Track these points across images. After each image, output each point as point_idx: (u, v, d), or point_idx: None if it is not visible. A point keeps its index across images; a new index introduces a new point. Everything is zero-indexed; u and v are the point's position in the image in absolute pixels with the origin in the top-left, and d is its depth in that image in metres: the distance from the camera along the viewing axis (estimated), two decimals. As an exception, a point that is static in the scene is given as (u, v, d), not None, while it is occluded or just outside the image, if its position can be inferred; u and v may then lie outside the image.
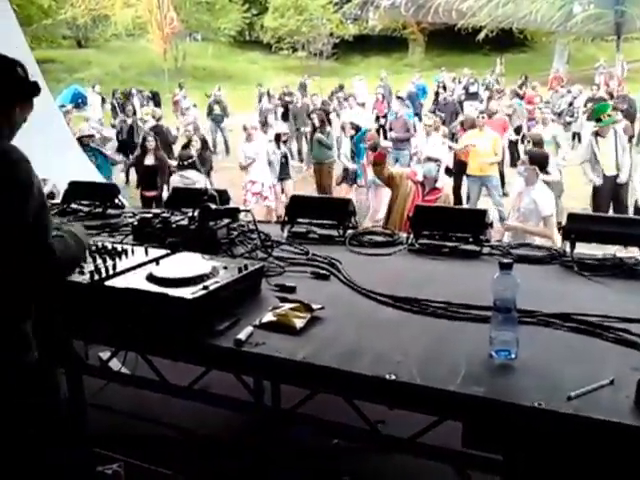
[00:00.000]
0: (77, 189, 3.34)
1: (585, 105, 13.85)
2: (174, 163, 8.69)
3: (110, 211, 3.16)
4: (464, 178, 9.45)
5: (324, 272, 2.27)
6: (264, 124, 11.38)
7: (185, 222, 2.54)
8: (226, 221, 2.55)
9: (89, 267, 2.02)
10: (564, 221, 2.39)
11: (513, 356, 1.58)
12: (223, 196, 2.81)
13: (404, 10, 23.29)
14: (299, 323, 1.81)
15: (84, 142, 8.75)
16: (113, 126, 14.62)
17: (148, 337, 1.88)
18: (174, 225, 2.53)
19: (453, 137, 9.84)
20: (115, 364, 2.31)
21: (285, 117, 15.35)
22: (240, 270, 2.00)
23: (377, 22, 30.53)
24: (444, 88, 17.44)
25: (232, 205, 2.80)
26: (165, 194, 7.89)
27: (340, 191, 9.40)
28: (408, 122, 11.24)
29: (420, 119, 12.41)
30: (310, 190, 9.88)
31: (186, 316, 1.79)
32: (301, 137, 13.58)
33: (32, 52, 8.18)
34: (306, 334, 1.78)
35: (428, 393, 1.50)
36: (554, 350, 1.66)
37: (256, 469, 2.35)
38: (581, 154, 8.29)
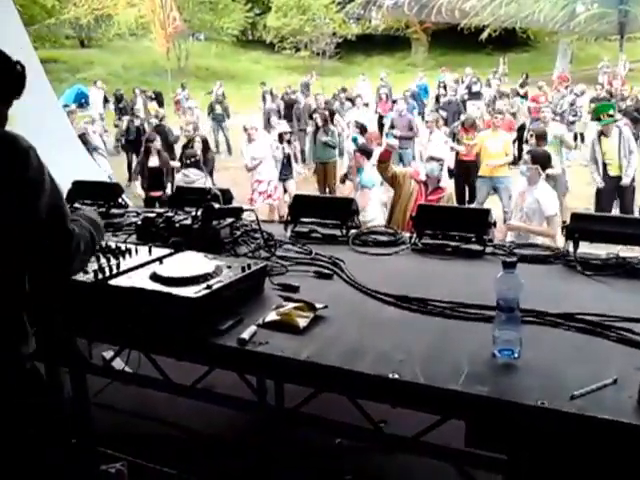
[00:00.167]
0: (81, 189, 3.34)
1: (589, 105, 13.83)
2: (176, 164, 8.73)
3: (114, 210, 3.17)
4: (467, 178, 9.45)
5: (327, 271, 2.27)
6: (267, 123, 11.40)
7: (188, 221, 2.54)
8: (229, 220, 2.56)
9: (93, 266, 2.03)
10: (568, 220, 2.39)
11: (516, 355, 1.59)
12: (226, 195, 2.81)
13: (407, 9, 23.31)
14: (302, 322, 1.81)
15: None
16: (116, 126, 14.67)
17: (151, 336, 1.88)
18: (177, 224, 2.53)
19: (454, 137, 9.81)
20: (118, 363, 2.31)
21: (288, 116, 15.36)
22: (243, 269, 2.01)
23: (380, 22, 30.52)
24: (445, 88, 17.42)
25: (235, 204, 2.80)
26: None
27: (343, 190, 9.40)
28: (412, 121, 11.23)
29: (423, 118, 12.40)
30: (311, 190, 9.89)
31: (190, 315, 1.79)
32: (304, 137, 13.58)
33: (35, 52, 8.19)
34: (309, 333, 1.79)
35: (431, 392, 1.50)
36: (557, 350, 1.66)
37: (259, 468, 2.36)
38: (587, 153, 8.28)
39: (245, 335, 1.75)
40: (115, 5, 27.68)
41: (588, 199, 8.41)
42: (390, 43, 32.74)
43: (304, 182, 10.75)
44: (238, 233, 2.56)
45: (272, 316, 1.85)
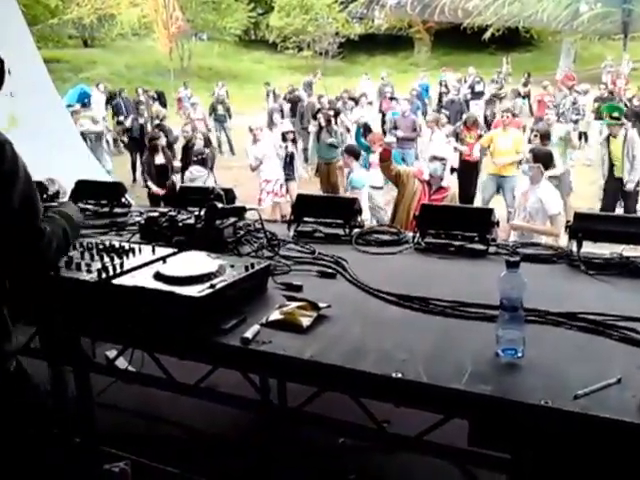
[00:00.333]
0: (84, 188, 3.35)
1: (593, 104, 13.80)
2: (176, 163, 8.77)
3: (117, 210, 3.18)
4: (470, 178, 9.43)
5: (330, 271, 2.27)
6: (270, 122, 11.40)
7: (192, 221, 2.54)
8: (232, 220, 2.56)
9: (97, 265, 2.03)
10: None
11: (519, 355, 1.59)
12: (229, 195, 2.81)
13: (410, 9, 23.30)
14: (306, 321, 1.82)
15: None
16: (119, 123, 14.66)
17: (155, 335, 1.89)
18: (181, 224, 2.54)
19: (457, 137, 9.80)
20: (121, 363, 2.31)
21: (291, 116, 15.37)
22: (247, 269, 2.01)
23: (383, 21, 30.50)
24: (447, 87, 17.41)
25: (238, 204, 2.80)
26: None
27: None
28: (416, 122, 11.22)
29: (425, 118, 12.40)
30: (314, 190, 9.89)
31: (193, 314, 1.80)
32: (307, 136, 13.58)
33: (39, 52, 8.21)
34: (313, 332, 1.79)
35: (434, 391, 1.50)
36: (561, 349, 1.66)
37: (262, 468, 2.36)
38: (595, 151, 8.26)
39: (248, 334, 1.75)
40: (118, 5, 27.70)
41: (591, 199, 8.40)
42: (393, 43, 32.70)
43: (307, 183, 10.75)
44: (241, 232, 2.57)
45: (275, 315, 1.85)
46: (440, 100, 16.87)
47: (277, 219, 6.52)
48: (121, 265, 2.04)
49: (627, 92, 15.71)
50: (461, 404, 1.49)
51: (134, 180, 12.24)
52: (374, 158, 7.43)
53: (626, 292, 2.03)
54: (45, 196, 3.39)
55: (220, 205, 2.53)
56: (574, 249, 2.32)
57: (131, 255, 2.16)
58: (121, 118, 14.25)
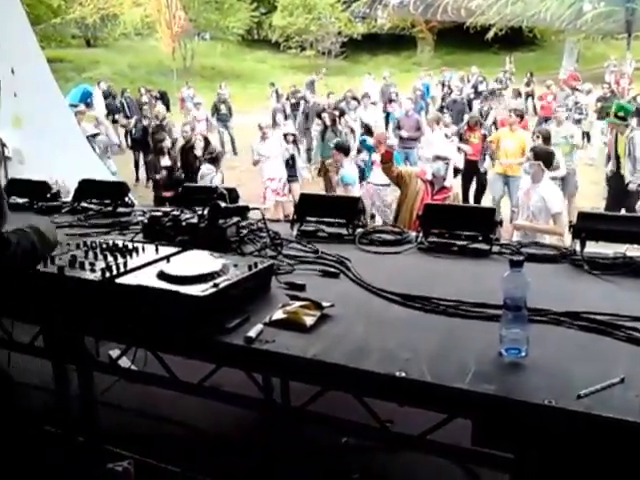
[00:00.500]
0: (87, 188, 3.36)
1: (595, 104, 13.78)
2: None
3: (120, 209, 3.18)
4: (474, 179, 9.43)
5: (333, 270, 2.27)
6: (273, 122, 11.41)
7: (195, 220, 2.55)
8: (235, 219, 2.56)
9: (100, 264, 2.04)
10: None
11: (523, 354, 1.58)
12: (232, 194, 2.82)
13: (413, 9, 23.29)
14: (309, 321, 1.82)
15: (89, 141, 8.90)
16: (123, 126, 14.70)
17: (159, 334, 1.89)
18: (184, 223, 2.54)
19: (461, 138, 9.80)
20: (124, 362, 2.32)
21: (294, 115, 15.37)
22: (250, 268, 2.01)
23: (386, 21, 30.50)
24: (449, 87, 17.40)
25: (242, 203, 2.80)
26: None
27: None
28: (420, 121, 11.22)
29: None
30: (317, 190, 9.89)
31: (197, 313, 1.80)
32: (310, 136, 13.58)
33: (42, 52, 8.23)
34: (316, 332, 1.79)
35: (438, 391, 1.50)
36: (564, 348, 1.65)
37: (265, 467, 2.36)
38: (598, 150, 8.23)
39: (252, 333, 1.75)
40: (121, 4, 27.78)
41: (594, 198, 8.40)
42: (396, 42, 32.71)
43: (310, 183, 10.75)
44: (244, 232, 2.57)
45: (279, 314, 1.85)
46: (443, 100, 16.85)
47: (280, 218, 6.53)
48: (125, 264, 2.05)
49: (630, 91, 15.67)
50: (465, 403, 1.48)
51: (137, 179, 12.26)
52: (377, 157, 7.45)
53: (630, 292, 2.02)
54: (48, 195, 3.41)
55: (223, 204, 2.54)
56: (578, 249, 2.31)
57: (134, 254, 2.17)
58: (117, 116, 14.27)
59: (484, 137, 9.44)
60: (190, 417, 2.63)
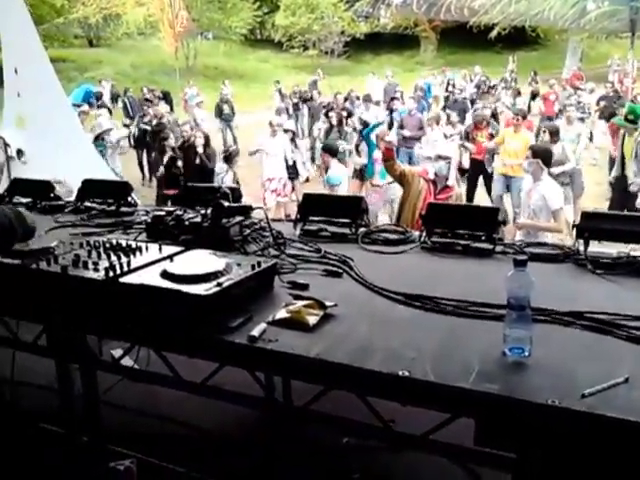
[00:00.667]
0: (90, 187, 3.36)
1: (598, 103, 13.75)
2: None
3: (123, 209, 3.19)
4: (479, 178, 9.41)
5: (336, 270, 2.27)
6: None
7: (198, 220, 2.55)
8: (238, 219, 2.56)
9: (104, 264, 2.04)
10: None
11: (527, 354, 1.58)
12: (235, 194, 2.82)
13: (416, 8, 23.23)
14: (312, 320, 1.82)
15: (101, 137, 8.93)
16: (125, 125, 14.71)
17: (162, 333, 1.89)
18: (187, 223, 2.54)
19: (468, 137, 9.78)
20: (127, 362, 2.32)
21: (296, 115, 15.38)
22: (253, 267, 2.01)
23: (389, 20, 30.47)
24: (454, 86, 17.39)
25: (244, 203, 2.81)
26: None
27: (352, 187, 9.43)
28: (422, 120, 11.21)
29: (427, 117, 12.37)
30: (320, 189, 9.89)
31: (200, 312, 1.80)
32: (313, 135, 13.57)
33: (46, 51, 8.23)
34: (319, 331, 1.79)
35: (441, 390, 1.50)
36: (568, 348, 1.65)
37: (267, 467, 2.36)
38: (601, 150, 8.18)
39: (255, 332, 1.75)
40: (124, 4, 27.79)
41: (597, 199, 8.38)
42: (399, 41, 32.68)
43: (315, 182, 10.75)
44: (247, 231, 2.57)
45: (282, 314, 1.85)
46: (447, 99, 16.83)
47: (282, 218, 6.54)
48: (128, 263, 2.05)
49: (634, 90, 15.61)
50: (468, 403, 1.48)
51: (144, 178, 12.25)
52: (379, 155, 7.45)
53: (633, 291, 2.02)
54: (52, 195, 3.42)
55: (226, 204, 2.54)
56: (581, 248, 2.31)
57: (138, 254, 2.17)
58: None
59: (491, 136, 9.39)
60: (193, 416, 2.64)
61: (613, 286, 2.08)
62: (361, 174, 9.39)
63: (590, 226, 2.30)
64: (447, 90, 18.07)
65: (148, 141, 11.39)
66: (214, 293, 1.81)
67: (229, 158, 8.08)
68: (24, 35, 7.45)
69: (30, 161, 7.39)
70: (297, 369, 1.71)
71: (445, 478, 2.19)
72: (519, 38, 28.43)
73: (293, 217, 2.87)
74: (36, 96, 7.36)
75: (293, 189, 9.13)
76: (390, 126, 13.10)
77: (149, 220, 2.67)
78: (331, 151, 7.72)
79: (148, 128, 11.90)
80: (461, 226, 2.52)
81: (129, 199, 3.26)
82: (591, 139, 13.08)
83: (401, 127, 11.30)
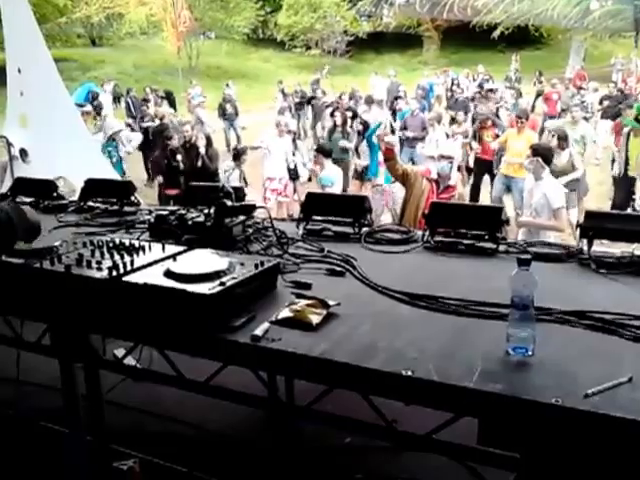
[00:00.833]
0: (93, 187, 3.37)
1: (600, 103, 13.71)
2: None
3: (126, 208, 3.19)
4: (484, 178, 9.40)
5: (340, 269, 2.27)
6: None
7: (201, 219, 2.55)
8: (242, 218, 2.56)
9: (107, 263, 2.04)
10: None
11: (530, 353, 1.58)
12: (238, 193, 2.82)
13: (419, 7, 23.24)
14: (315, 319, 1.82)
15: (114, 137, 9.00)
16: (128, 125, 14.73)
17: (165, 332, 1.89)
18: (190, 222, 2.54)
19: (475, 136, 9.76)
20: (130, 362, 2.32)
21: (298, 115, 15.39)
22: (256, 266, 2.01)
23: (391, 19, 30.44)
24: (458, 86, 17.37)
25: (247, 202, 2.80)
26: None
27: (353, 187, 9.45)
28: (425, 121, 11.19)
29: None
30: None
31: (203, 312, 1.80)
32: (316, 135, 13.59)
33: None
34: (322, 330, 1.79)
35: (445, 390, 1.50)
36: (571, 348, 1.65)
37: (270, 466, 2.36)
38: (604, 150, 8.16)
39: (258, 332, 1.75)
40: (126, 3, 27.78)
41: (600, 199, 8.37)
42: (401, 41, 32.65)
43: (315, 182, 10.75)
44: (250, 231, 2.57)
45: (285, 313, 1.86)
46: (450, 99, 16.83)
47: (285, 217, 6.55)
48: (131, 263, 2.05)
49: (638, 89, 15.59)
50: (471, 402, 1.48)
51: (149, 179, 12.25)
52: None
53: (637, 291, 2.01)
54: (55, 194, 3.42)
55: (229, 203, 2.54)
56: (585, 248, 2.30)
57: (141, 253, 2.17)
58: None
59: (497, 136, 9.35)
60: (196, 416, 2.64)
61: (617, 285, 2.07)
62: (361, 175, 9.39)
63: (594, 226, 2.30)
64: (452, 89, 18.04)
65: (150, 140, 11.40)
66: (217, 292, 1.81)
67: (237, 156, 8.09)
68: (27, 34, 7.46)
69: (33, 160, 7.40)
70: (300, 368, 1.71)
71: (448, 478, 2.18)
72: (522, 37, 28.40)
73: (295, 216, 2.87)
74: (39, 95, 7.37)
75: (295, 190, 9.13)
76: (393, 127, 13.09)
77: (152, 219, 2.67)
78: (324, 151, 7.75)
79: (150, 128, 11.92)
80: (464, 225, 2.52)
81: (132, 198, 3.26)
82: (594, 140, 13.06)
83: (404, 127, 11.28)
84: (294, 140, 9.77)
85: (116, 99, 19.97)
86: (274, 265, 2.10)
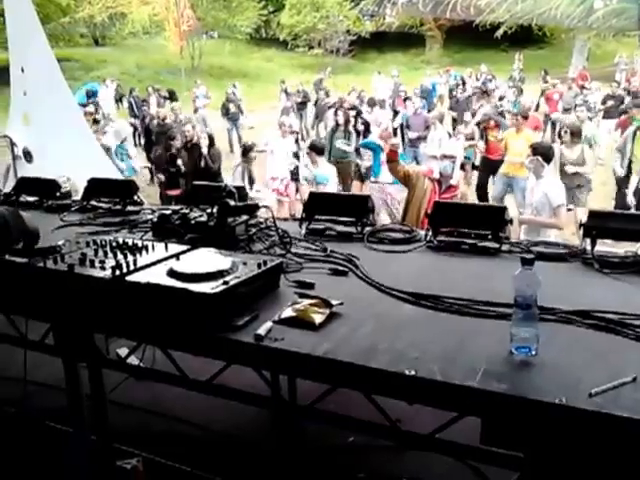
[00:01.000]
0: (96, 186, 3.37)
1: (604, 103, 13.68)
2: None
3: (129, 208, 3.19)
4: (487, 177, 9.39)
5: (342, 269, 2.27)
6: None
7: (204, 218, 2.55)
8: (244, 217, 2.56)
9: (110, 262, 2.05)
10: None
11: (533, 353, 1.58)
12: (241, 192, 2.82)
13: (422, 6, 23.24)
14: (318, 319, 1.82)
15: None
16: (131, 125, 14.76)
17: (168, 331, 1.89)
18: (193, 221, 2.54)
19: (482, 136, 9.76)
20: (133, 361, 2.32)
21: (300, 115, 15.39)
22: (259, 266, 2.01)
23: (394, 19, 30.41)
24: (463, 85, 17.35)
25: (250, 202, 2.81)
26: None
27: (354, 188, 9.44)
28: (428, 119, 11.19)
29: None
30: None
31: (206, 311, 1.80)
32: (319, 135, 13.58)
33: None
34: (325, 330, 1.79)
35: (448, 389, 1.50)
36: (575, 347, 1.65)
37: (273, 465, 2.36)
38: (606, 149, 8.14)
39: (261, 331, 1.75)
40: (129, 3, 27.80)
41: (604, 199, 8.34)
42: (404, 40, 32.60)
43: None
44: (253, 230, 2.57)
45: (288, 312, 1.86)
46: (452, 98, 16.79)
47: (288, 217, 6.55)
48: (134, 262, 2.05)
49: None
50: (475, 402, 1.48)
51: (152, 179, 12.27)
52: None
53: (641, 291, 2.01)
54: (58, 194, 3.43)
55: (232, 203, 2.54)
56: (588, 247, 2.30)
57: (144, 252, 2.17)
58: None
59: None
60: (199, 415, 2.64)
61: (620, 285, 2.07)
62: (361, 175, 9.38)
63: (597, 225, 2.29)
64: (457, 88, 17.99)
65: (152, 140, 11.41)
66: (220, 292, 1.81)
67: (245, 152, 8.11)
68: (31, 34, 7.48)
69: (36, 160, 7.42)
70: (303, 368, 1.71)
71: (451, 477, 2.18)
72: (525, 37, 28.33)
73: (297, 216, 2.87)
74: (42, 95, 7.39)
75: (297, 190, 9.13)
76: (395, 130, 13.08)
77: (155, 219, 2.67)
78: (317, 149, 7.75)
79: (152, 127, 11.93)
80: (467, 225, 2.52)
81: (135, 198, 3.26)
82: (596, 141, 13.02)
83: (407, 127, 11.28)
84: (297, 140, 9.77)
85: (118, 100, 19.96)
86: (277, 264, 2.10)
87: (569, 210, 6.48)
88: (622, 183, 7.58)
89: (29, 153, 7.47)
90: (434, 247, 2.52)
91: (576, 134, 7.33)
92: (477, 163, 9.84)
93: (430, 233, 2.56)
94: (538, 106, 16.41)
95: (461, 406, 1.55)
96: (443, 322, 1.84)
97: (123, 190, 3.30)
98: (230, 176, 8.32)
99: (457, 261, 2.38)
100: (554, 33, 29.06)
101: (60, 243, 2.28)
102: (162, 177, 8.91)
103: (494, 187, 8.96)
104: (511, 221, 2.51)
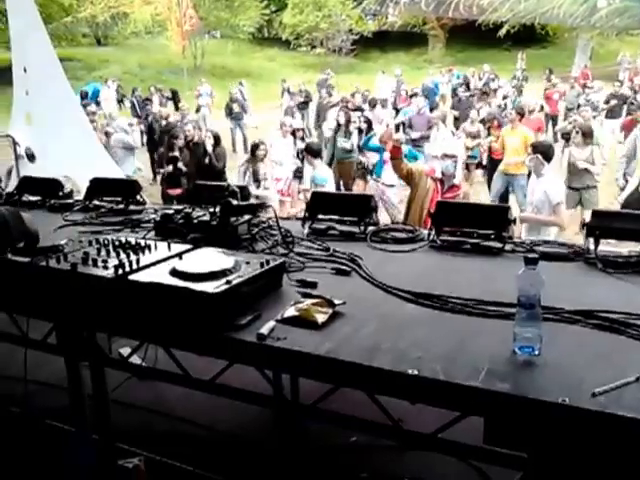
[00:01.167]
0: (99, 186, 3.37)
1: (607, 102, 13.64)
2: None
3: (132, 207, 3.19)
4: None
5: (345, 268, 2.27)
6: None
7: (207, 218, 2.55)
8: (247, 217, 2.56)
9: (113, 262, 2.05)
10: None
11: (537, 352, 1.57)
12: (244, 192, 2.82)
13: (424, 6, 23.23)
14: (321, 318, 1.81)
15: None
16: (131, 124, 14.76)
17: (171, 331, 1.89)
18: (196, 221, 2.55)
19: (489, 134, 9.76)
20: (135, 361, 2.32)
21: (302, 115, 15.39)
22: (262, 265, 2.01)
23: (397, 18, 30.42)
24: (467, 86, 17.34)
25: (256, 201, 2.81)
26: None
27: (355, 186, 9.45)
28: (431, 119, 11.17)
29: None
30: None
31: (209, 310, 1.80)
32: (322, 136, 13.56)
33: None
34: (328, 329, 1.79)
35: (451, 388, 1.50)
36: (578, 347, 1.64)
37: (275, 465, 2.36)
38: (610, 149, 8.13)
39: (264, 330, 1.75)
40: (131, 3, 27.86)
41: (607, 199, 8.32)
42: (407, 39, 32.60)
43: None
44: (256, 230, 2.57)
45: (291, 312, 1.85)
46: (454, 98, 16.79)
47: (290, 217, 6.55)
48: (137, 261, 2.05)
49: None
50: (477, 401, 1.48)
51: (154, 179, 12.27)
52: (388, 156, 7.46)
53: (644, 290, 2.00)
54: (60, 194, 3.43)
55: (235, 202, 2.54)
56: (591, 247, 2.30)
57: (147, 252, 2.17)
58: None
59: None
60: (201, 414, 2.64)
61: (624, 285, 2.06)
62: (364, 173, 9.38)
63: (600, 225, 2.29)
64: (461, 88, 17.98)
65: (155, 139, 11.43)
66: (223, 291, 1.81)
67: (253, 150, 8.12)
68: (33, 34, 7.49)
69: (38, 159, 7.43)
70: (306, 367, 1.71)
71: (454, 477, 2.18)
72: (528, 36, 28.32)
73: (299, 216, 2.87)
74: (45, 95, 7.40)
75: (299, 190, 9.13)
76: (397, 126, 13.07)
77: (158, 218, 2.67)
78: (313, 151, 7.76)
79: (155, 127, 11.95)
80: (470, 224, 2.51)
81: (138, 197, 3.26)
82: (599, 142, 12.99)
83: (410, 126, 11.27)
84: (302, 138, 9.76)
85: (120, 101, 19.98)
86: (280, 264, 2.10)
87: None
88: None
89: (32, 153, 7.48)
90: (437, 247, 2.51)
91: (588, 135, 7.31)
92: (483, 162, 9.83)
93: (433, 233, 2.56)
94: (542, 106, 16.38)
95: (464, 406, 1.55)
96: (446, 322, 1.84)
97: (126, 190, 3.31)
98: (235, 175, 8.34)
99: (460, 261, 2.38)
100: (557, 32, 29.04)
101: (63, 242, 2.29)
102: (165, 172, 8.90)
103: (493, 185, 8.96)
104: (514, 221, 2.50)
